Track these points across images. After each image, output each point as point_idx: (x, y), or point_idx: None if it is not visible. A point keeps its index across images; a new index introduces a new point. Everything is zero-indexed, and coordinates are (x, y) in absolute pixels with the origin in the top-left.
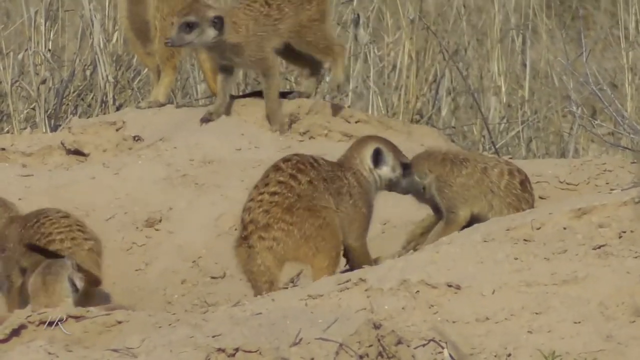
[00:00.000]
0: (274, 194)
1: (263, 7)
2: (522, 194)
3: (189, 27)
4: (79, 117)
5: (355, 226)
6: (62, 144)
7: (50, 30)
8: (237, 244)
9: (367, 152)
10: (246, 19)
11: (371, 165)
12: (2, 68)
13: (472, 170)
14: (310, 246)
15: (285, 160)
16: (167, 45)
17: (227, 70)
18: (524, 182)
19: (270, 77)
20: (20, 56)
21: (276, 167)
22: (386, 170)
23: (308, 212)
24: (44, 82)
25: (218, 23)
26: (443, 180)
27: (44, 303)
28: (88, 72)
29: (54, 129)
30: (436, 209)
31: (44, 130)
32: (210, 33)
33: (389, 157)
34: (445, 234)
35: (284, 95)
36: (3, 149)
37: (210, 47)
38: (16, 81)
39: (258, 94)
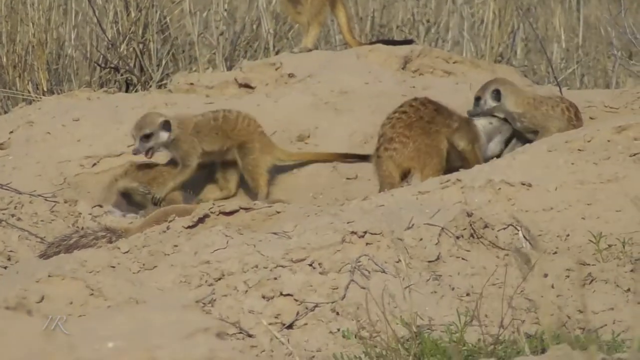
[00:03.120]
0: (402, 112)
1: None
2: (577, 122)
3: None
4: (248, 59)
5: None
6: (236, 79)
7: None
8: (372, 154)
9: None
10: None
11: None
12: (191, 24)
13: (547, 108)
14: (420, 159)
15: (423, 97)
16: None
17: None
18: (577, 113)
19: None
20: (204, 15)
21: (414, 98)
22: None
23: (422, 131)
24: (221, 34)
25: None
26: (531, 115)
27: None
28: (255, 26)
29: (229, 68)
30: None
31: (222, 70)
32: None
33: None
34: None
35: (397, 42)
36: (192, 84)
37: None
38: (201, 33)
39: (381, 42)
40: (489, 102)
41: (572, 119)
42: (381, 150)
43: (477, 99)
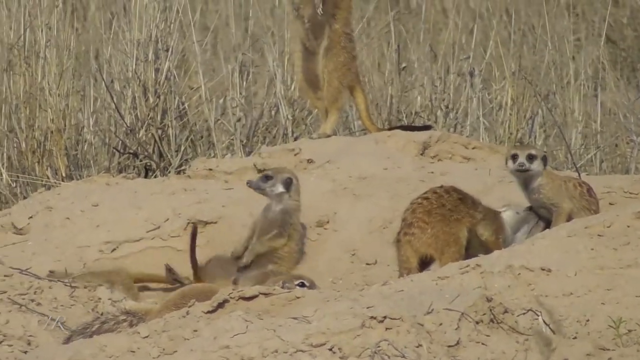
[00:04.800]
0: (425, 198)
1: None
2: (590, 198)
3: None
4: (267, 145)
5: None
6: (255, 165)
7: (244, 82)
8: (394, 240)
9: None
10: None
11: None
12: (207, 110)
13: (560, 183)
14: (438, 246)
15: (450, 185)
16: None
17: None
18: (589, 190)
19: None
20: (221, 101)
21: (440, 186)
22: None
23: (441, 218)
24: (239, 120)
25: None
26: (549, 187)
27: None
28: (273, 112)
29: (248, 154)
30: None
31: (240, 156)
32: None
33: None
34: (557, 223)
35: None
36: (210, 169)
37: None
38: (218, 119)
39: (399, 127)
40: (538, 165)
41: (584, 193)
42: (401, 234)
43: (530, 157)
